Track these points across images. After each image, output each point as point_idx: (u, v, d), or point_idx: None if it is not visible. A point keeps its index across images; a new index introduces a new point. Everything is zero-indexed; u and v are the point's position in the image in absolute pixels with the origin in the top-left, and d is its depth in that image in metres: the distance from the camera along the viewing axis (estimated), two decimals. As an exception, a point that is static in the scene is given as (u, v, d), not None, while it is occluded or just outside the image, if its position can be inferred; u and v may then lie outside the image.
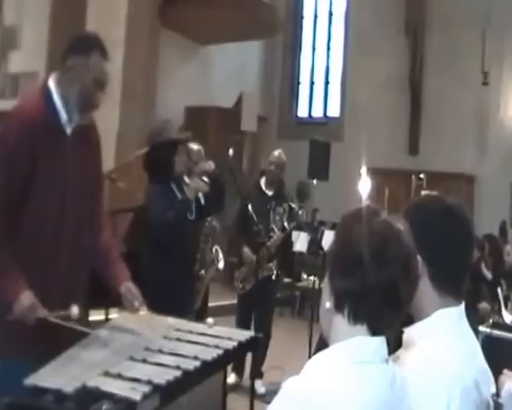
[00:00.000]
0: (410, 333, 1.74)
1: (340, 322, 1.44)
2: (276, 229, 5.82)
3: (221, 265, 4.94)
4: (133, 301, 2.79)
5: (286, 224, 6.03)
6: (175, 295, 3.93)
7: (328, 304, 1.46)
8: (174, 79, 11.40)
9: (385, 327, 1.43)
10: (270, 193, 6.08)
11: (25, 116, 2.66)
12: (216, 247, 4.90)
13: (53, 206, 2.70)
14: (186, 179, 4.47)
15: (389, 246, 1.38)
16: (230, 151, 5.60)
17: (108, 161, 9.60)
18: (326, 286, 1.48)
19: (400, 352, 1.72)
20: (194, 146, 5.42)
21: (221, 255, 4.93)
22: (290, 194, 6.33)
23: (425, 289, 1.68)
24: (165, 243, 4.05)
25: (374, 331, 1.42)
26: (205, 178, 4.68)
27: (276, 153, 6.21)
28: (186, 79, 11.70)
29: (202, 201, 4.45)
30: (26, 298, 2.51)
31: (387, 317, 1.42)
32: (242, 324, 5.85)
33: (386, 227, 1.41)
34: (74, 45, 2.77)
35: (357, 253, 1.38)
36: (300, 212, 6.16)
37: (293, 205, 6.12)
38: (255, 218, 5.65)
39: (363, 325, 1.41)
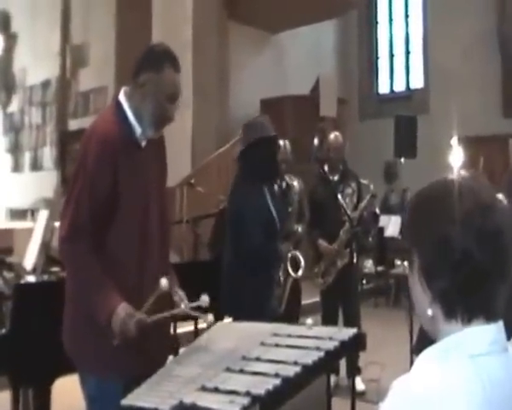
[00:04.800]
0: None
1: (450, 324, 1.31)
2: (348, 211, 5.73)
3: (300, 273, 4.84)
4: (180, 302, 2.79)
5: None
6: (257, 301, 3.91)
7: (430, 311, 1.33)
8: (247, 73, 11.45)
9: (499, 310, 1.31)
10: (335, 178, 6.01)
11: (101, 134, 2.70)
12: (296, 253, 4.83)
13: (137, 221, 2.75)
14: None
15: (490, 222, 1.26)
16: (315, 140, 5.54)
17: (185, 166, 9.80)
18: (419, 290, 1.34)
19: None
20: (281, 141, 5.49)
21: (302, 262, 4.85)
22: (355, 172, 6.22)
23: None
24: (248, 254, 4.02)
25: (488, 318, 1.30)
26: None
27: (332, 136, 6.14)
28: (259, 70, 11.72)
29: None
30: (122, 309, 2.53)
31: (501, 297, 1.30)
32: (329, 320, 5.79)
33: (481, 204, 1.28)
34: (145, 60, 2.80)
35: (459, 246, 1.25)
36: (372, 186, 6.05)
37: (362, 181, 6.03)
38: (345, 206, 5.60)
39: (479, 318, 1.29)
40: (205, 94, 10.19)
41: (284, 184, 5.50)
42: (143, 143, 2.80)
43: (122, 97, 2.81)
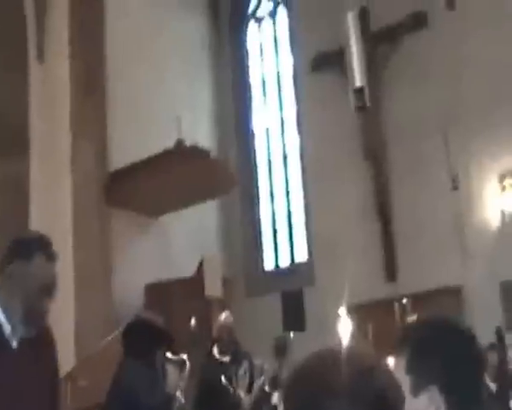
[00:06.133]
0: None
1: None
2: (242, 394, 5.79)
3: None
4: None
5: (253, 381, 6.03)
6: None
7: None
8: (131, 258, 11.56)
9: None
10: (226, 359, 6.09)
11: None
12: None
13: None
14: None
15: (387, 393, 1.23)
16: (193, 321, 5.65)
17: (67, 359, 9.52)
18: None
19: None
20: None
21: None
22: (247, 352, 6.32)
23: None
24: None
25: None
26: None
27: (222, 317, 6.29)
28: (143, 255, 11.85)
29: None
30: None
31: None
32: None
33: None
34: (14, 249, 2.64)
35: None
36: (266, 366, 6.16)
37: (255, 362, 6.13)
38: (231, 389, 5.67)
39: None
40: (87, 283, 10.14)
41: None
42: (14, 344, 2.57)
43: None
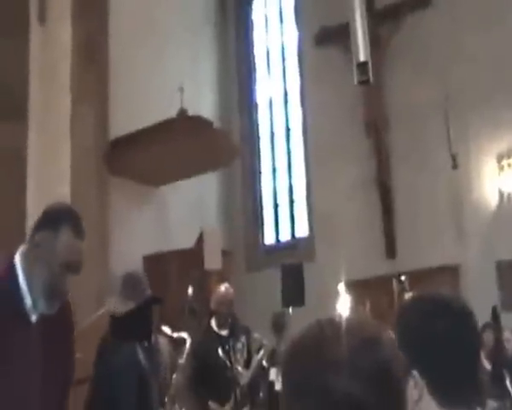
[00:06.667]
0: None
1: None
2: (240, 368, 5.74)
3: None
4: None
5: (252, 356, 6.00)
6: None
7: None
8: (129, 229, 11.49)
9: None
10: (224, 332, 6.03)
11: None
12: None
13: (14, 404, 2.42)
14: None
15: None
16: (190, 290, 5.59)
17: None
18: None
19: None
20: None
21: None
22: (245, 326, 6.26)
23: None
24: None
25: None
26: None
27: (222, 290, 6.25)
28: (142, 226, 11.81)
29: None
30: None
31: None
32: None
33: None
34: (43, 218, 2.56)
35: (344, 392, 1.14)
36: (265, 341, 6.12)
37: (255, 335, 6.10)
38: (229, 363, 5.62)
39: None
40: (84, 253, 10.03)
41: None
42: (34, 318, 2.50)
43: (17, 259, 2.52)
